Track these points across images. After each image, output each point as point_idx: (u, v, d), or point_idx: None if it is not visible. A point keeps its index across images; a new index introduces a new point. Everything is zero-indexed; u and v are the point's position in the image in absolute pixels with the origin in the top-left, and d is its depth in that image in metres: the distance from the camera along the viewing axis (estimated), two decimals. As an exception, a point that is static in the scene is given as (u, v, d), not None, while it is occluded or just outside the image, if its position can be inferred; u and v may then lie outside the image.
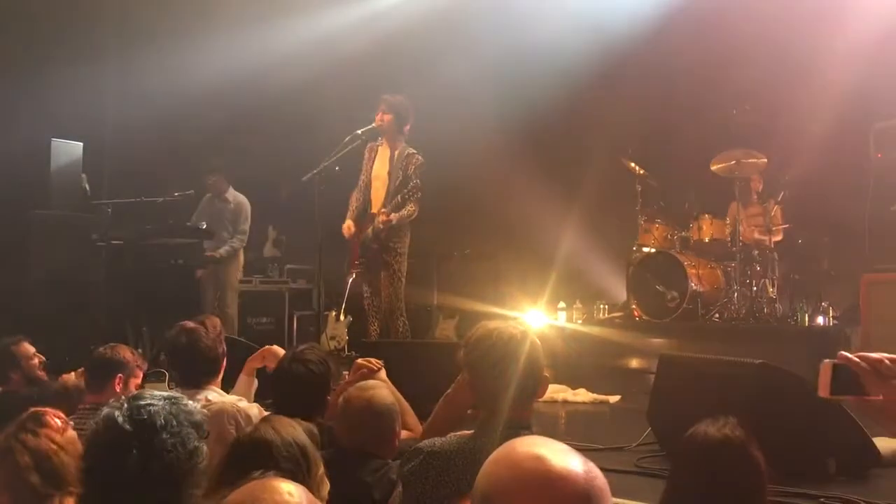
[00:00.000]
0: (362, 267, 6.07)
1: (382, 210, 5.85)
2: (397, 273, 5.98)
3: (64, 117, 7.30)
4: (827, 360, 1.75)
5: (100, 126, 7.91)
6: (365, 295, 6.15)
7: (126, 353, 3.70)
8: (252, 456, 1.93)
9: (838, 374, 1.74)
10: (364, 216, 6.08)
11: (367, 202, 6.12)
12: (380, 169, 6.10)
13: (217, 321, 3.69)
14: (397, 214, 5.82)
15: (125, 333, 6.18)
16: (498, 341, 2.34)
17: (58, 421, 2.46)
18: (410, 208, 5.87)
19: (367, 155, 6.17)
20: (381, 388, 3.04)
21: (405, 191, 5.84)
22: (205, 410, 1.95)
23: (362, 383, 3.12)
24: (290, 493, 1.35)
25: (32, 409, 2.51)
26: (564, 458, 1.17)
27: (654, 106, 7.41)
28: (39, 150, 6.84)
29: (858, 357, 1.73)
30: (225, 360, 3.57)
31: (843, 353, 1.76)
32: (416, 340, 6.28)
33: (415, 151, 6.03)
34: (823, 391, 1.75)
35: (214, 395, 3.41)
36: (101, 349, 3.70)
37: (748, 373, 3.44)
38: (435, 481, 2.24)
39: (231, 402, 3.30)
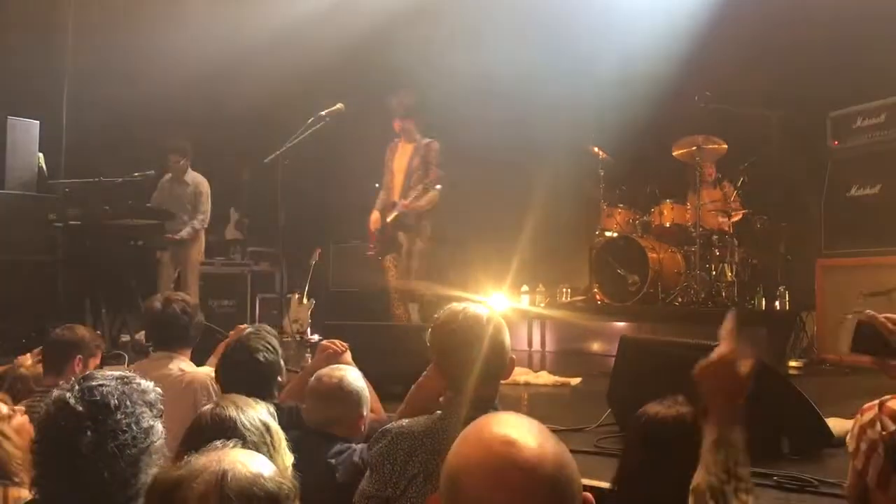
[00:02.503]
0: (376, 251, 6.66)
1: (402, 200, 6.42)
2: (412, 258, 6.50)
3: (20, 95, 7.13)
4: (851, 316, 1.79)
5: (57, 104, 7.75)
6: (389, 270, 6.66)
7: (83, 332, 3.67)
8: (216, 432, 1.91)
9: (861, 332, 1.76)
10: (386, 208, 6.64)
11: (389, 194, 6.68)
12: (400, 162, 6.62)
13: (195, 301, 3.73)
14: (420, 202, 6.39)
15: (84, 315, 6.09)
16: (463, 323, 2.35)
17: (3, 408, 2.41)
18: (433, 195, 6.41)
19: (388, 154, 6.76)
20: (352, 371, 3.05)
21: (427, 180, 6.36)
22: (158, 389, 1.92)
23: (333, 365, 3.13)
24: (252, 458, 1.36)
25: None
26: (536, 443, 1.14)
27: (617, 91, 7.45)
28: (-5, 127, 6.69)
29: (885, 318, 1.76)
30: (196, 334, 3.60)
31: (869, 311, 1.79)
32: (379, 323, 6.29)
33: (431, 139, 6.54)
34: (845, 347, 1.78)
35: (187, 365, 3.43)
36: (57, 330, 3.67)
37: (705, 354, 3.49)
38: (403, 462, 2.25)
39: (205, 373, 3.35)
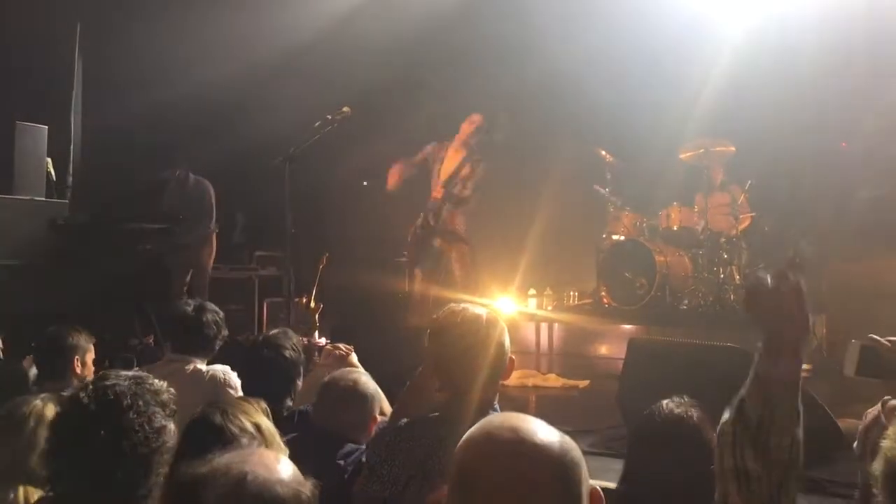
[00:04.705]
0: (409, 259, 6.83)
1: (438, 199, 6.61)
2: (451, 265, 6.68)
3: (29, 100, 7.16)
4: (855, 341, 1.77)
5: (66, 109, 7.77)
6: (413, 281, 6.77)
7: (71, 333, 3.64)
8: (206, 441, 1.89)
9: (865, 356, 1.75)
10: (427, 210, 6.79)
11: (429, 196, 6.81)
12: (448, 166, 6.76)
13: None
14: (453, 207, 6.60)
15: (92, 319, 6.09)
16: (463, 326, 2.32)
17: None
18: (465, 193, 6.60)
19: (432, 152, 6.91)
20: (365, 375, 3.07)
21: (461, 185, 6.61)
22: (172, 389, 1.92)
23: (346, 368, 3.16)
24: (277, 460, 1.37)
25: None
26: (540, 430, 1.20)
27: (624, 94, 7.45)
28: (3, 133, 6.71)
29: (889, 341, 1.76)
30: (218, 346, 3.61)
31: (872, 335, 1.78)
32: (385, 326, 6.29)
33: (479, 157, 6.72)
34: (849, 370, 1.76)
35: (203, 365, 3.50)
36: (44, 339, 3.63)
37: (716, 355, 3.50)
38: (401, 463, 2.24)
39: (222, 368, 3.42)
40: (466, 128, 6.81)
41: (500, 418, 1.25)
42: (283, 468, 1.35)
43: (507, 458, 1.16)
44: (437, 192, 6.62)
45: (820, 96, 6.69)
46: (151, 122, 7.94)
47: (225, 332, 3.66)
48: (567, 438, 1.21)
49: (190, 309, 3.57)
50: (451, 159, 6.77)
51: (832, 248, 6.26)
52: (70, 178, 7.48)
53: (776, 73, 6.95)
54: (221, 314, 3.67)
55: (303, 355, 3.29)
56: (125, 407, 1.79)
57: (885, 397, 1.81)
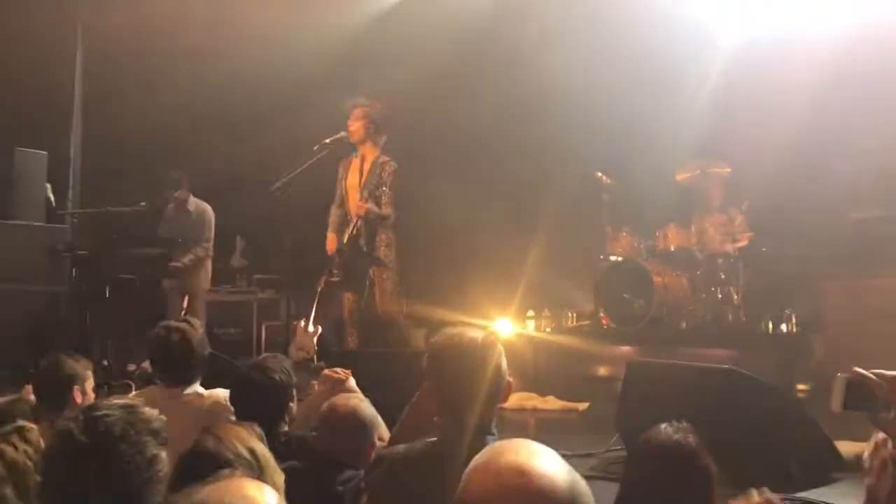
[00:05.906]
0: (338, 276, 6.17)
1: (358, 215, 6.05)
2: (385, 283, 6.14)
3: (28, 126, 7.19)
4: (841, 375, 1.77)
5: (65, 135, 7.81)
6: (346, 304, 6.27)
7: (69, 362, 3.58)
8: (202, 468, 1.88)
9: (852, 389, 1.76)
10: (343, 228, 6.25)
11: (345, 214, 6.30)
12: (353, 179, 6.27)
13: (198, 324, 3.68)
14: (375, 211, 6.04)
15: (90, 344, 6.09)
16: (467, 350, 2.30)
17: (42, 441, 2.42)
18: (387, 211, 6.12)
19: (340, 171, 6.37)
20: (364, 401, 3.07)
21: (377, 195, 6.08)
22: (163, 417, 1.90)
23: (345, 394, 3.15)
24: (258, 490, 1.35)
25: (20, 423, 2.47)
26: (549, 474, 1.14)
27: (620, 116, 7.49)
28: (3, 158, 6.74)
29: (873, 374, 1.76)
30: (200, 366, 3.56)
31: (857, 369, 1.79)
32: (384, 350, 6.27)
33: (388, 159, 6.22)
34: (836, 405, 1.77)
35: (199, 388, 3.45)
36: (44, 369, 3.57)
37: (714, 378, 3.50)
38: (399, 488, 2.23)
39: (224, 395, 3.36)
40: (356, 127, 6.17)
41: (506, 453, 1.18)
42: (265, 500, 1.33)
43: None
44: (360, 209, 6.05)
45: (815, 116, 6.72)
46: (154, 147, 7.97)
47: (201, 351, 3.52)
48: (577, 478, 1.16)
49: (161, 336, 3.48)
50: (354, 172, 6.29)
51: (828, 267, 6.27)
52: (70, 204, 7.49)
53: (771, 94, 6.99)
54: (198, 333, 3.56)
55: (294, 379, 3.24)
56: (117, 438, 1.76)
57: None
